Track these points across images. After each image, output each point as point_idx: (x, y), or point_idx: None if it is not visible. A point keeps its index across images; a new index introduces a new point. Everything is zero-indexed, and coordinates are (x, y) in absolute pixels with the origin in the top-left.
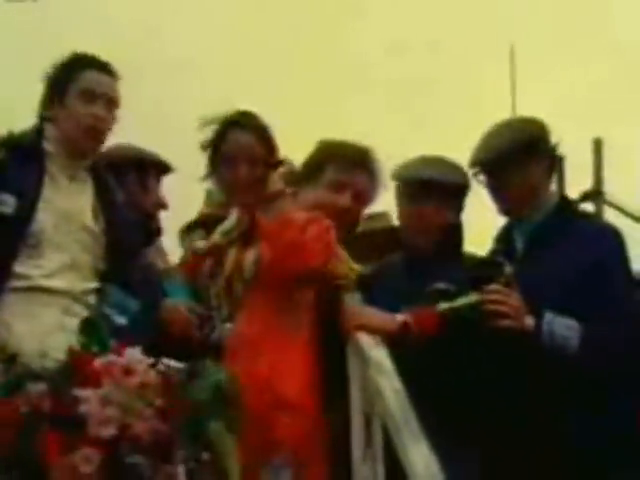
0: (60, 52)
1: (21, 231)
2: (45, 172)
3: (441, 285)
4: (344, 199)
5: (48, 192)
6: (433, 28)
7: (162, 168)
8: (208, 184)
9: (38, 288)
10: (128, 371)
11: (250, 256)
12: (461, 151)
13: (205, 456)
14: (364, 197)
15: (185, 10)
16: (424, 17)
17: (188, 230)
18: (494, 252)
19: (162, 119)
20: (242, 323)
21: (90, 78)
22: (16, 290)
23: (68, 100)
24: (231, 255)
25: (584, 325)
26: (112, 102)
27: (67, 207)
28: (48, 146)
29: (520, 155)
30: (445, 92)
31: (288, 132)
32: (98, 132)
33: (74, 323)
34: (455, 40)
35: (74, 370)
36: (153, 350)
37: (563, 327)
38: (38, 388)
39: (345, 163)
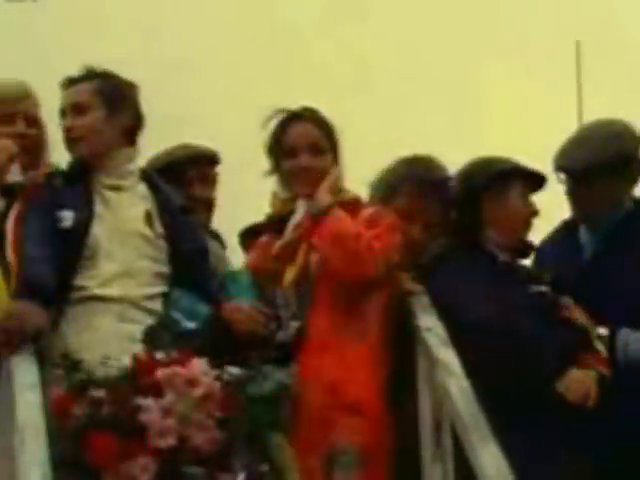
0: (60, 52)
1: (79, 244)
2: (92, 189)
3: None
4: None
5: (99, 208)
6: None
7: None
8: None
9: (94, 297)
10: (192, 382)
11: (315, 255)
12: (527, 153)
13: (264, 468)
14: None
15: (183, 10)
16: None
17: (248, 233)
18: (558, 242)
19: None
20: (312, 317)
21: (62, 98)
22: (74, 301)
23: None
24: (302, 250)
25: None
26: (78, 107)
27: (118, 218)
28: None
29: (610, 171)
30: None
31: None
32: (74, 140)
33: (131, 329)
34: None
35: (137, 377)
36: (218, 354)
37: (637, 339)
38: (99, 394)
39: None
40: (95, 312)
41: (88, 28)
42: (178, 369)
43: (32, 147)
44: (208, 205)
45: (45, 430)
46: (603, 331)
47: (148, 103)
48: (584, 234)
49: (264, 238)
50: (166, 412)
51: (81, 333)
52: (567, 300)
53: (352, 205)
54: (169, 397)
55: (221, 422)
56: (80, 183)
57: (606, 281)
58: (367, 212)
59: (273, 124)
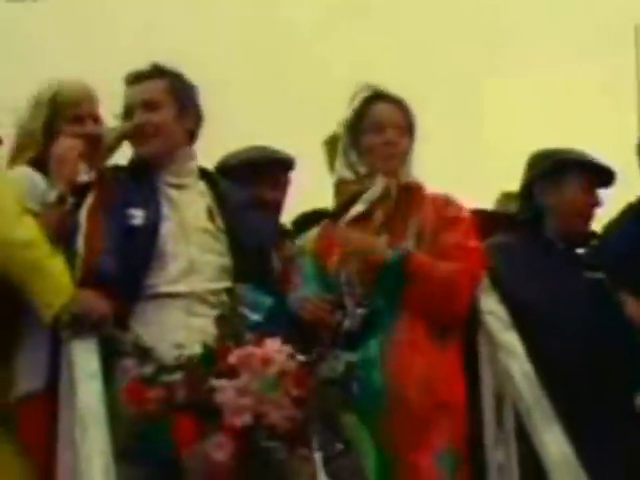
0: (60, 52)
1: (150, 244)
2: (158, 188)
3: None
4: None
5: (165, 207)
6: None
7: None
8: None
9: (162, 294)
10: (266, 361)
11: (384, 241)
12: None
13: (340, 447)
14: None
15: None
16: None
17: (304, 221)
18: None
19: None
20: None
21: (126, 95)
22: (144, 299)
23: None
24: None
25: None
26: (150, 104)
27: (181, 216)
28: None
29: None
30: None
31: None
32: (141, 135)
33: (198, 323)
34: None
35: (210, 363)
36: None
37: None
38: (173, 378)
39: None
40: (163, 307)
41: (88, 28)
42: (252, 349)
43: (97, 146)
44: (276, 208)
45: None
46: None
47: None
48: None
49: (326, 223)
50: (241, 392)
51: (149, 326)
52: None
53: (417, 190)
54: (244, 377)
55: (297, 400)
56: (145, 181)
57: None
58: (439, 201)
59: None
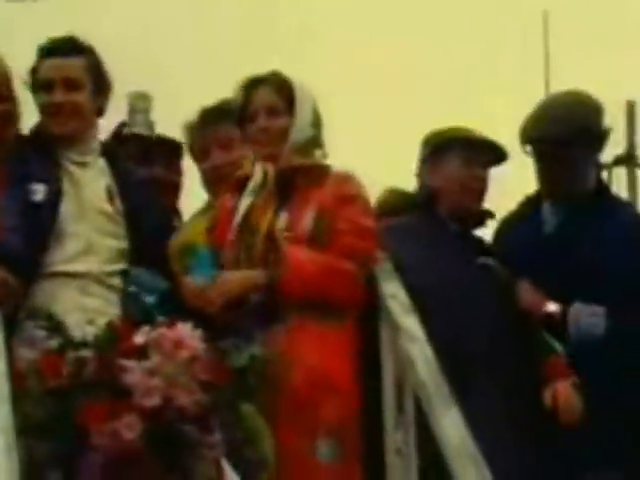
0: None
1: (50, 220)
2: (60, 164)
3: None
4: None
5: (65, 184)
6: None
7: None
8: None
9: (59, 273)
10: (178, 344)
11: (281, 223)
12: None
13: (240, 434)
14: None
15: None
16: None
17: None
18: (520, 217)
19: None
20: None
21: (45, 67)
22: (40, 277)
23: (36, 93)
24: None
25: (611, 311)
26: (70, 82)
27: (82, 195)
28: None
29: (576, 144)
30: None
31: None
32: (61, 115)
33: (93, 304)
34: None
35: (116, 341)
36: None
37: (588, 313)
38: (82, 353)
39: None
40: (58, 286)
41: (88, 27)
42: (164, 331)
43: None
44: (173, 190)
45: (10, 397)
46: (553, 307)
47: None
48: (547, 209)
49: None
50: (151, 373)
51: (46, 305)
52: (523, 282)
53: (317, 170)
54: (155, 359)
55: (205, 385)
56: (47, 155)
57: (566, 256)
58: (339, 179)
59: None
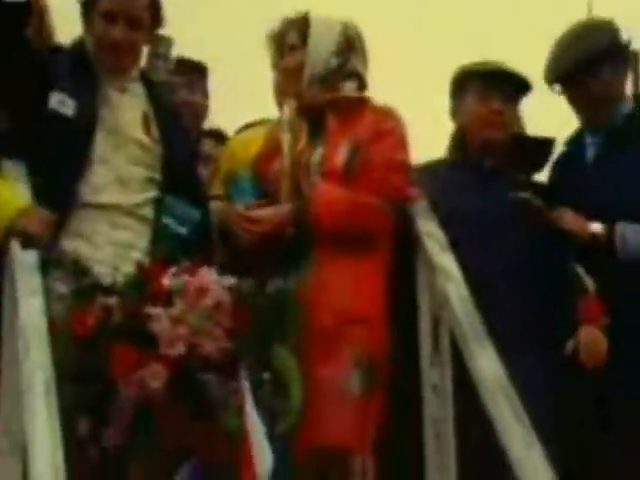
0: None
1: (84, 143)
2: (98, 85)
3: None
4: None
5: (101, 108)
6: None
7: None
8: None
9: (87, 204)
10: (202, 291)
11: (316, 157)
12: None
13: (265, 375)
14: None
15: None
16: None
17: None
18: (564, 156)
19: None
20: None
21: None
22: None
23: (94, 21)
24: (285, 146)
25: None
26: (133, 20)
27: (117, 121)
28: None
29: (596, 66)
30: None
31: None
32: (119, 52)
33: (124, 236)
34: None
35: (144, 285)
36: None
37: (634, 230)
38: (109, 301)
39: None
40: (87, 219)
41: None
42: (188, 277)
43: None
44: (195, 111)
45: (49, 337)
46: (598, 226)
47: None
48: (588, 137)
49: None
50: (176, 321)
51: (75, 241)
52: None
53: (346, 103)
54: (179, 306)
55: (230, 332)
56: (86, 73)
57: (608, 181)
58: (379, 114)
59: None
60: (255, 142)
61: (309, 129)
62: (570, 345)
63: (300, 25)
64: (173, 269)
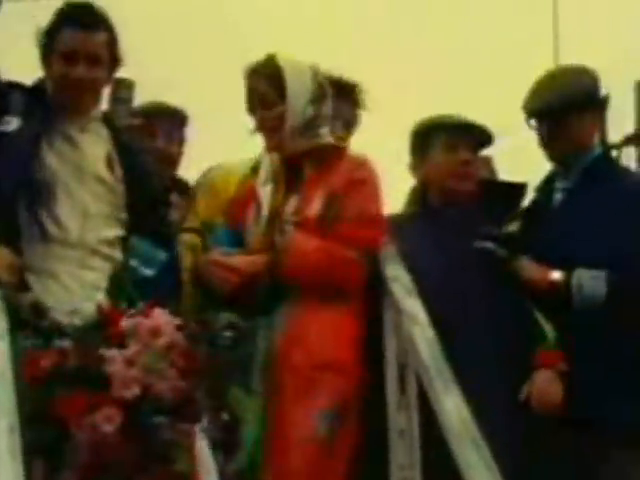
0: None
1: (26, 161)
2: (52, 119)
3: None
4: None
5: (58, 141)
6: None
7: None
8: None
9: (54, 239)
10: (155, 332)
11: (290, 207)
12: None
13: (225, 417)
14: None
15: None
16: None
17: None
18: (534, 201)
19: None
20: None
21: (68, 38)
22: (32, 240)
23: (53, 61)
24: (266, 196)
25: (612, 275)
26: (93, 58)
27: (79, 158)
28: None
29: (574, 109)
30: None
31: None
32: (80, 91)
33: (91, 277)
34: None
35: (102, 328)
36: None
37: (589, 278)
38: (64, 344)
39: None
40: (55, 257)
41: None
42: (141, 319)
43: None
44: (170, 162)
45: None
46: (557, 275)
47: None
48: (557, 182)
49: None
50: (130, 362)
51: (43, 279)
52: (523, 260)
53: (323, 152)
54: (133, 347)
55: (183, 371)
56: (42, 113)
57: (573, 228)
58: (353, 164)
59: None
60: (235, 177)
61: (287, 178)
62: (524, 391)
63: (271, 76)
64: (131, 311)
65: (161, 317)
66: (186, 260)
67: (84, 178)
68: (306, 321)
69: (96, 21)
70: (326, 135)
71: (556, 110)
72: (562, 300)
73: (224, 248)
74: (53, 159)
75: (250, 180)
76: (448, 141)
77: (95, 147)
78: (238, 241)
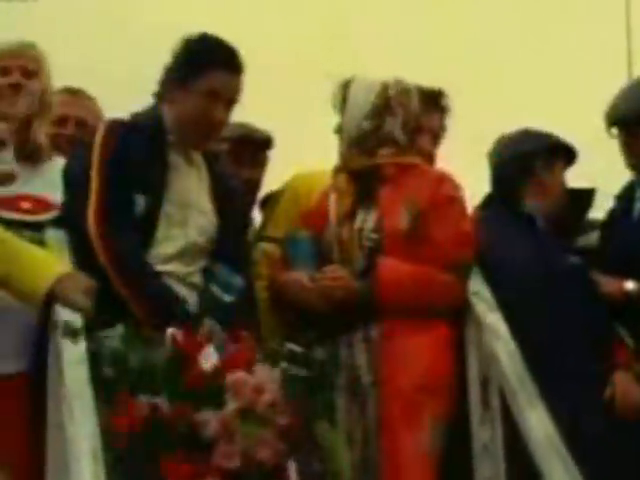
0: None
1: (150, 229)
2: (168, 162)
3: None
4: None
5: (171, 180)
6: None
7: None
8: None
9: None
10: (258, 390)
11: (369, 223)
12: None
13: (317, 467)
14: None
15: None
16: None
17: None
18: (613, 210)
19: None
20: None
21: (218, 79)
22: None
23: (191, 92)
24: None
25: None
26: (233, 102)
27: (187, 193)
28: (166, 128)
29: None
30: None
31: None
32: (214, 132)
33: None
34: None
35: (179, 363)
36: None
37: None
38: (155, 400)
39: None
40: None
41: (88, 27)
42: (244, 375)
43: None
44: (253, 187)
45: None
46: (631, 285)
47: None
48: (638, 191)
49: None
50: (229, 428)
51: None
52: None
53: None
54: (232, 405)
55: (283, 430)
56: (156, 146)
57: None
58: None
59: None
60: (319, 184)
61: (356, 193)
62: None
63: (343, 87)
64: (211, 350)
65: (263, 374)
66: (262, 270)
67: (191, 213)
68: (403, 341)
69: (241, 65)
70: (385, 156)
71: (632, 118)
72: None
73: (306, 261)
74: (166, 201)
75: (327, 192)
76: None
77: (200, 180)
78: (319, 252)
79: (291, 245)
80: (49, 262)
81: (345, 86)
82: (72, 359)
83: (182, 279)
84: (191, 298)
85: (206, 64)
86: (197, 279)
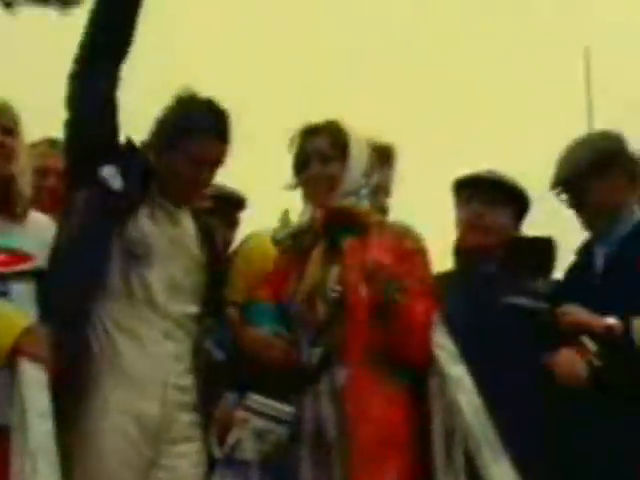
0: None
1: (124, 222)
2: (154, 191)
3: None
4: None
5: (159, 214)
6: None
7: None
8: None
9: (140, 301)
10: None
11: (334, 275)
12: None
13: None
14: None
15: None
16: None
17: None
18: (573, 266)
19: None
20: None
21: (204, 145)
22: (119, 299)
23: (179, 151)
24: (310, 266)
25: None
26: (217, 166)
27: (177, 234)
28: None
29: (597, 171)
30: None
31: None
32: (198, 192)
33: (173, 349)
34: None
35: None
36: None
37: None
38: None
39: None
40: (142, 320)
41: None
42: None
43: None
44: (227, 243)
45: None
46: (613, 320)
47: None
48: (597, 246)
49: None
50: None
51: (129, 340)
52: (570, 306)
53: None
54: None
55: None
56: (143, 171)
57: (616, 293)
58: (391, 237)
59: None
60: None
61: (325, 248)
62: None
63: (334, 135)
64: None
65: None
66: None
67: (178, 253)
68: (370, 393)
69: (230, 133)
70: (364, 207)
71: (573, 178)
72: (616, 345)
73: (269, 324)
74: (152, 228)
75: (291, 250)
76: (466, 196)
77: (189, 226)
78: (282, 316)
79: (250, 309)
80: (12, 317)
81: (332, 133)
82: (37, 412)
83: (180, 323)
84: (188, 346)
85: (194, 128)
86: (193, 326)
